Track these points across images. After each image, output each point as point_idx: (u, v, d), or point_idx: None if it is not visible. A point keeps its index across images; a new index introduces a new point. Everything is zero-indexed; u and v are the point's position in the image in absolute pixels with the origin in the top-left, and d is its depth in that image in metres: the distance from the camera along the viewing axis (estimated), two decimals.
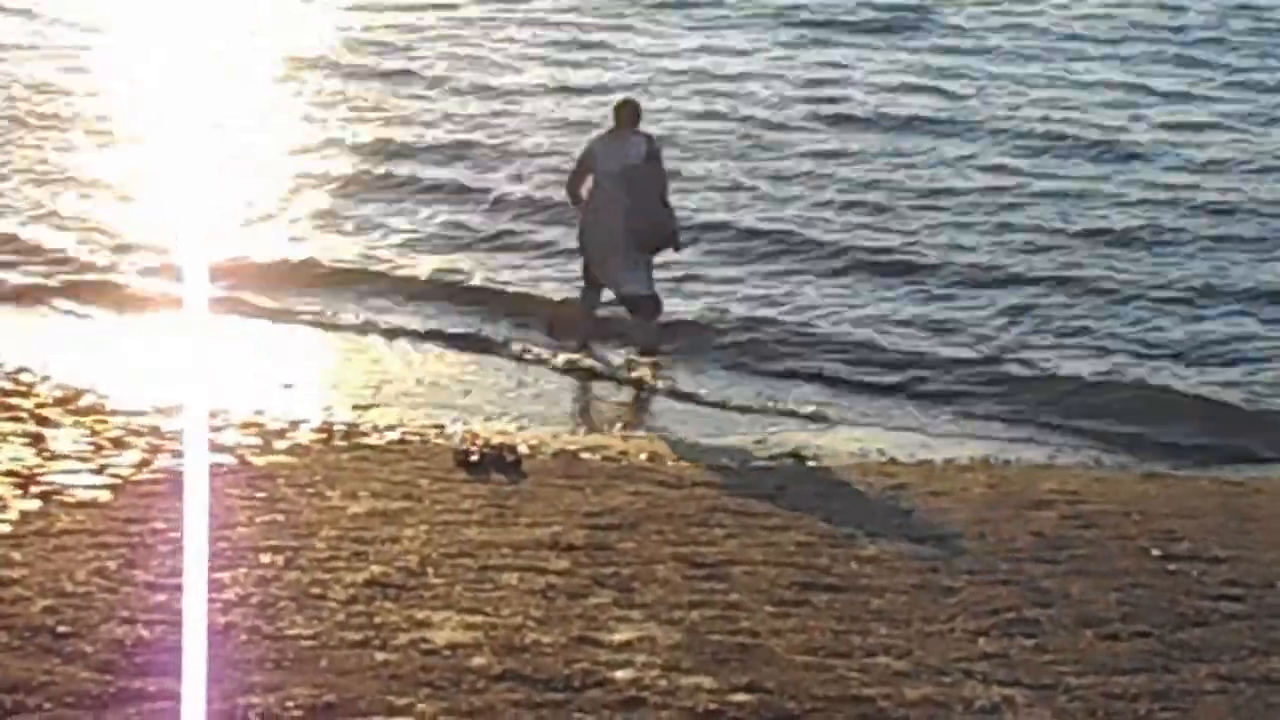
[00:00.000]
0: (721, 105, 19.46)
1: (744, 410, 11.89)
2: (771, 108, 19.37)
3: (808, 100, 19.67)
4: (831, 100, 19.73)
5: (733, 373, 12.63)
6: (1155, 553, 7.88)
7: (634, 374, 12.52)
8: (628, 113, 12.93)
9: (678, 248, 13.11)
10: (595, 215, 12.75)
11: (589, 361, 12.70)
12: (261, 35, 22.06)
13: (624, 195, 12.60)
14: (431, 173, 17.34)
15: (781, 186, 17.13)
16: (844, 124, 19.00)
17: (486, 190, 16.84)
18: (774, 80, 20.58)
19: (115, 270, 14.49)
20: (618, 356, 12.75)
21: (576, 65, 21.41)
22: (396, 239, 15.48)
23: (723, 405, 11.97)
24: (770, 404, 11.99)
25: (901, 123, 18.96)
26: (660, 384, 12.37)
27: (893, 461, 10.65)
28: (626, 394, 12.33)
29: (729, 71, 21.03)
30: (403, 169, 17.43)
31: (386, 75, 21.07)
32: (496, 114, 19.41)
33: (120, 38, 21.35)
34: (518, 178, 17.16)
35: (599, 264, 12.77)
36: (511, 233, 15.71)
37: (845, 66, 21.26)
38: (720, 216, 15.92)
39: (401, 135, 18.50)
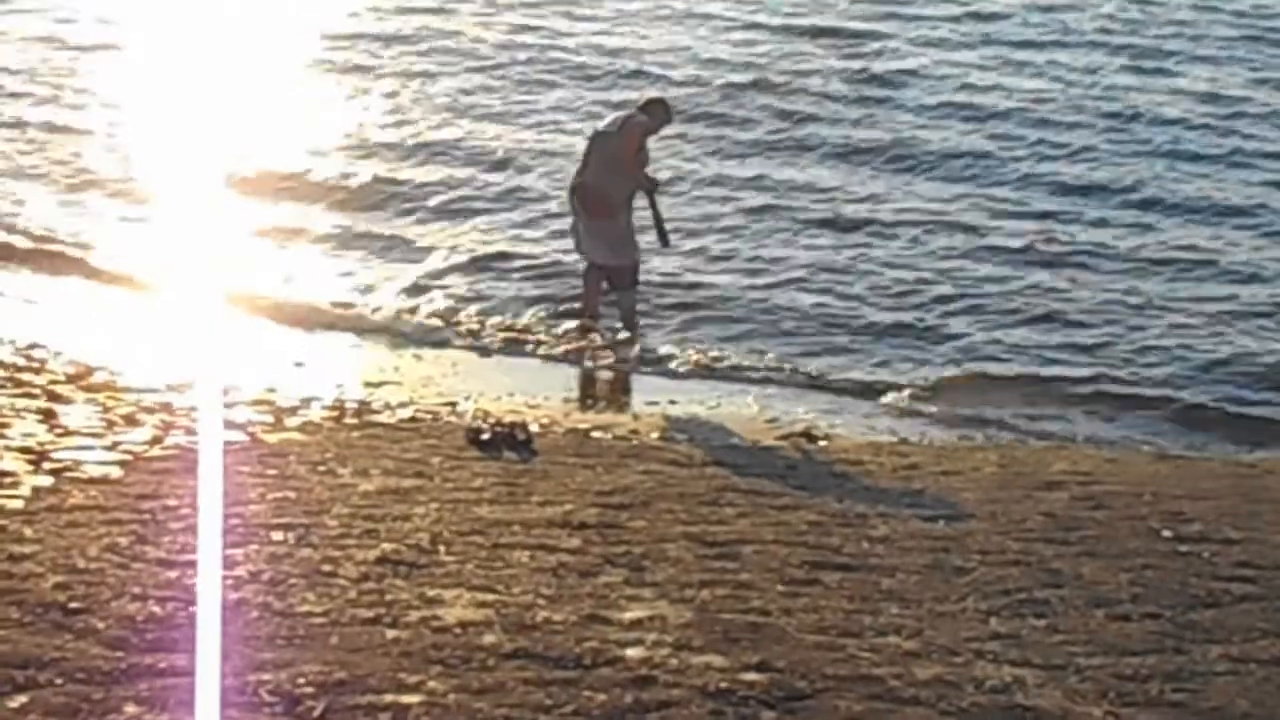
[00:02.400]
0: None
1: (755, 389, 11.87)
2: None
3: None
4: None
5: (743, 349, 12.61)
6: (1167, 534, 7.88)
7: (614, 349, 12.57)
8: (646, 102, 13.09)
9: (664, 243, 13.05)
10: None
11: (593, 338, 12.71)
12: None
13: (582, 159, 12.87)
14: (449, 138, 17.37)
15: (800, 157, 17.14)
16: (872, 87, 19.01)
17: (508, 162, 16.85)
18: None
19: (126, 246, 14.50)
20: (611, 332, 12.79)
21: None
22: (410, 214, 15.48)
23: (734, 382, 11.96)
24: (782, 380, 11.98)
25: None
26: (657, 359, 12.40)
27: (904, 441, 10.65)
28: (632, 372, 12.33)
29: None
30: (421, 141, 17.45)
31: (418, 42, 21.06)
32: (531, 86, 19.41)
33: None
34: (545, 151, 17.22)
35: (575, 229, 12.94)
36: (530, 200, 15.69)
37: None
38: (731, 175, 15.94)
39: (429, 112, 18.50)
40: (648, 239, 13.01)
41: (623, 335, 12.73)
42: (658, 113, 13.00)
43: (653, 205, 12.91)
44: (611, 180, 12.69)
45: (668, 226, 13.05)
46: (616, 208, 12.77)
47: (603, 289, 12.95)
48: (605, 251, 12.79)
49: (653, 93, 14.47)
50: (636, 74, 19.67)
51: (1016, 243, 14.76)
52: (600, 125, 13.19)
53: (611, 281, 12.87)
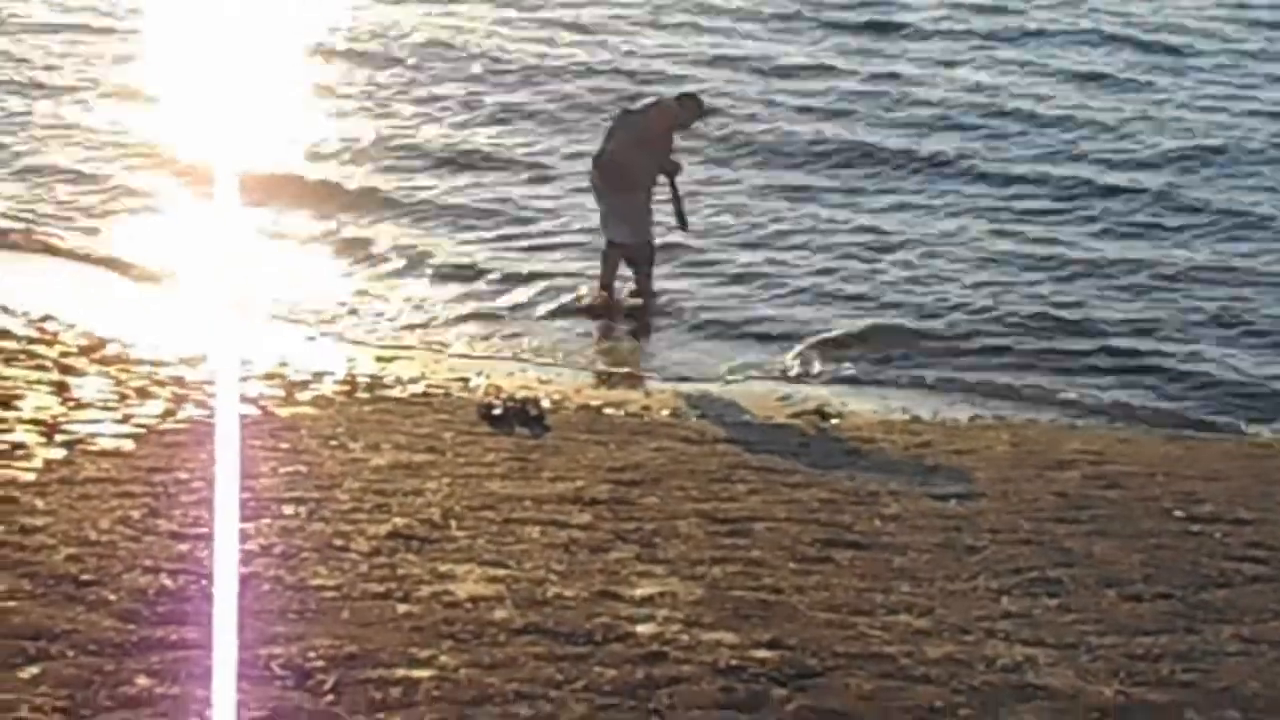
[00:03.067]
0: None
1: (767, 366, 11.86)
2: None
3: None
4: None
5: (755, 327, 12.60)
6: (1179, 514, 7.86)
7: (628, 322, 12.59)
8: (680, 95, 13.17)
9: (683, 226, 13.02)
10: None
11: (608, 316, 12.71)
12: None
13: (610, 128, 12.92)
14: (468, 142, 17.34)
15: (816, 127, 17.12)
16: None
17: (529, 158, 16.79)
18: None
19: (138, 220, 14.51)
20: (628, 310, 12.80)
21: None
22: (423, 207, 15.43)
23: (746, 361, 11.95)
24: (794, 359, 11.97)
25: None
26: (674, 337, 12.40)
27: (916, 419, 10.63)
28: (648, 348, 12.32)
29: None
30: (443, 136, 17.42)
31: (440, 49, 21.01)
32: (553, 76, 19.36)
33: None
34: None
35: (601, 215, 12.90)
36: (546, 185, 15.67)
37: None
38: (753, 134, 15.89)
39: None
40: (666, 221, 12.99)
41: (638, 308, 12.73)
42: (690, 107, 13.02)
43: (673, 188, 12.92)
44: (635, 155, 12.67)
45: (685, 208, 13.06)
46: (638, 183, 12.76)
47: (619, 269, 12.92)
48: (628, 231, 12.76)
49: (690, 88, 14.49)
50: (649, 79, 19.56)
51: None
52: (630, 106, 13.18)
53: (631, 261, 12.85)
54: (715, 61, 19.65)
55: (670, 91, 14.47)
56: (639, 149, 12.66)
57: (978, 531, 7.40)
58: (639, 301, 12.85)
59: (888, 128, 17.50)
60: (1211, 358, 12.03)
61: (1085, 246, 14.30)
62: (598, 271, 13.00)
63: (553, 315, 12.67)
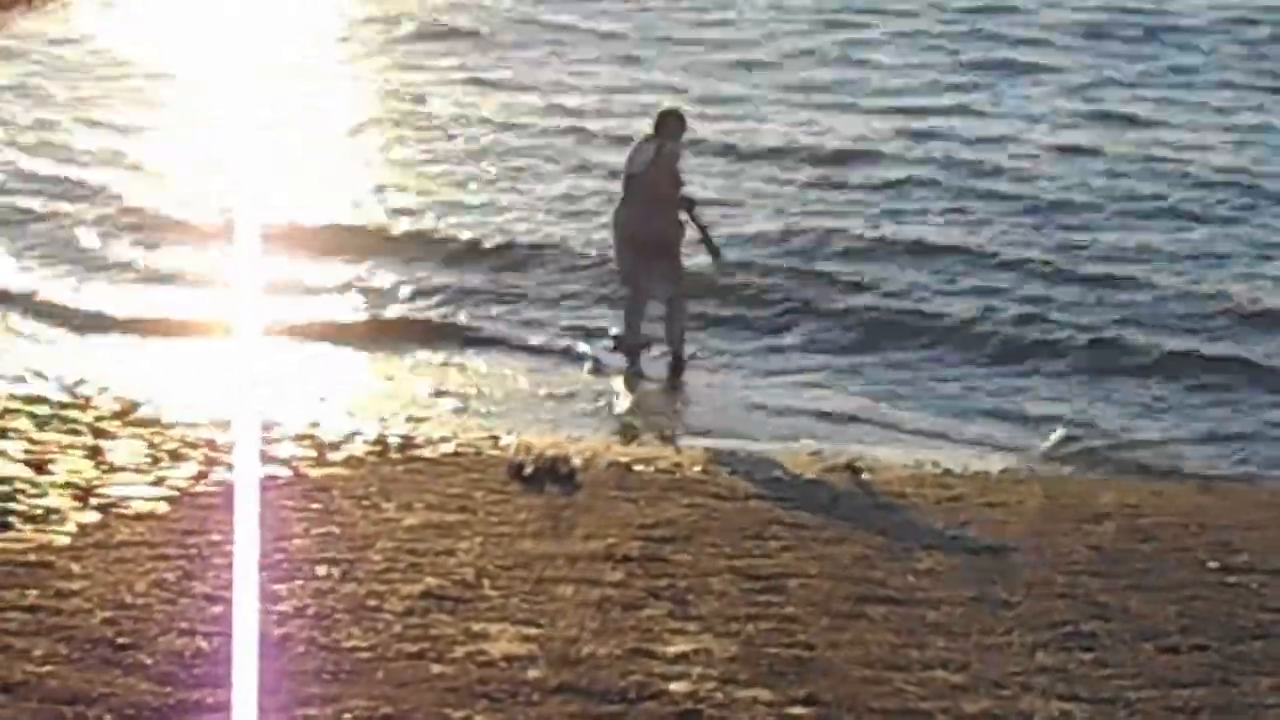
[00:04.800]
0: None
1: (796, 420, 11.85)
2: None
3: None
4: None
5: (788, 380, 12.59)
6: (1213, 565, 7.82)
7: (660, 378, 12.56)
8: (660, 120, 12.91)
9: (715, 256, 12.98)
10: (613, 220, 13.08)
11: (638, 372, 12.70)
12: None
13: (622, 203, 12.78)
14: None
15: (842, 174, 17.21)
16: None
17: (545, 195, 16.89)
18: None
19: (172, 282, 14.59)
20: (658, 364, 12.80)
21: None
22: (454, 247, 15.51)
23: (776, 414, 11.94)
24: (823, 414, 11.96)
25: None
26: (706, 391, 12.39)
27: (948, 473, 10.60)
28: (678, 404, 12.32)
29: None
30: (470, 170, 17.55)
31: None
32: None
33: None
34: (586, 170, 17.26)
35: (628, 270, 12.87)
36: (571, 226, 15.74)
37: None
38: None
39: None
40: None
41: (672, 363, 12.72)
42: (674, 128, 12.78)
43: (696, 222, 12.78)
44: (664, 220, 12.60)
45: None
46: (677, 242, 12.74)
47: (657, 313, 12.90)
48: (672, 288, 12.74)
49: (667, 104, 14.39)
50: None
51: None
52: (630, 166, 12.87)
53: (672, 305, 12.83)
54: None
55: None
56: (665, 209, 12.57)
57: (1012, 586, 7.37)
58: (672, 351, 12.78)
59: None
60: None
61: None
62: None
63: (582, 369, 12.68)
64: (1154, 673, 6.19)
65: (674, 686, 5.71)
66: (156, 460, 9.16)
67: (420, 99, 20.70)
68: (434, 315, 13.94)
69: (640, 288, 12.86)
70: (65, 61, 22.19)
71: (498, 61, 22.37)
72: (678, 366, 12.79)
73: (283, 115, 18.72)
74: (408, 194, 17.09)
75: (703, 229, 12.86)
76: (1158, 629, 6.75)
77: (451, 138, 19.13)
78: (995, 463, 10.99)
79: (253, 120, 16.69)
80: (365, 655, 5.88)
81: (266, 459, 9.15)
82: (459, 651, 5.98)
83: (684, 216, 12.75)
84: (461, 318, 13.83)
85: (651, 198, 12.59)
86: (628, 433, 11.67)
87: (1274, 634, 6.76)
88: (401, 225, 16.07)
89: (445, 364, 12.91)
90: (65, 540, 7.31)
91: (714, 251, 12.96)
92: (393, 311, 14.02)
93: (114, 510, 7.94)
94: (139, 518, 7.83)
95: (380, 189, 17.24)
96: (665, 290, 12.78)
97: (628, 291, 12.98)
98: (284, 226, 15.23)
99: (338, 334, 13.46)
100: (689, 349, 12.86)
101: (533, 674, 5.76)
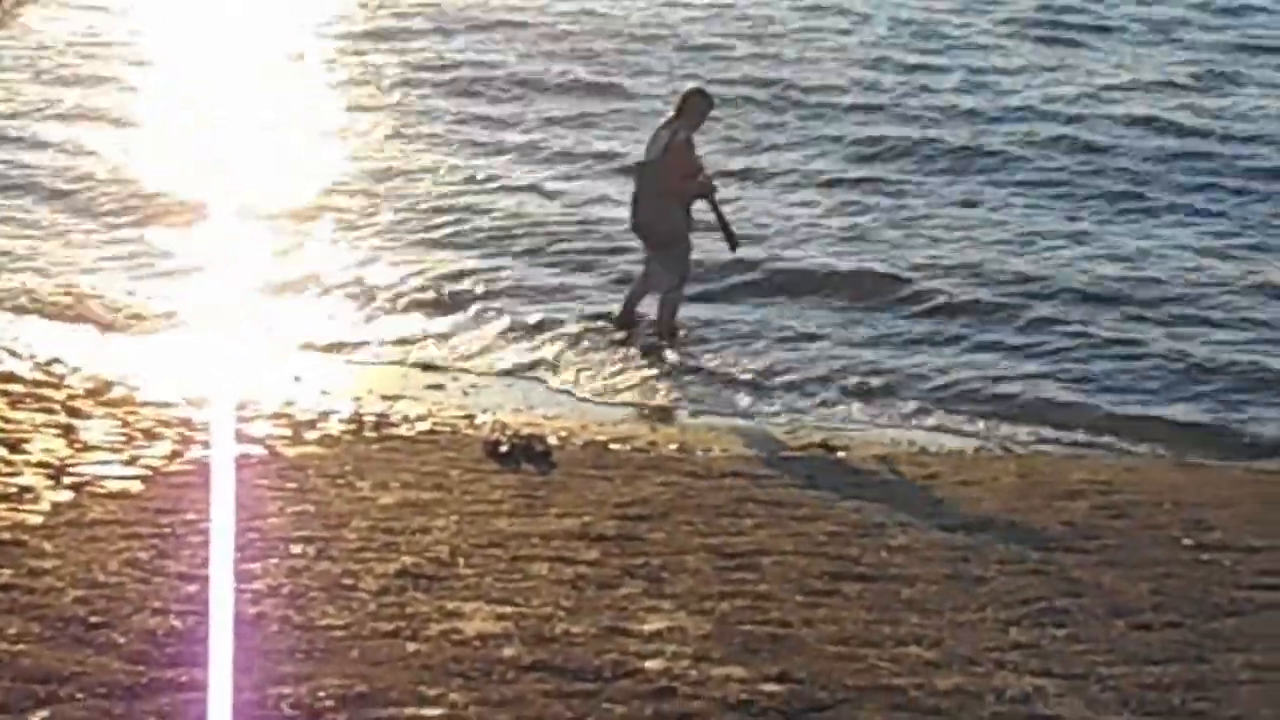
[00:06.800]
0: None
1: (773, 399, 11.85)
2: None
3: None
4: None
5: (761, 360, 12.59)
6: (1188, 542, 7.85)
7: (647, 356, 12.54)
8: (681, 102, 12.79)
9: (732, 246, 12.83)
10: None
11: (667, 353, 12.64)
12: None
13: (633, 189, 12.76)
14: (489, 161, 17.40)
15: (822, 165, 17.18)
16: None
17: (555, 183, 16.85)
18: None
19: (142, 261, 14.53)
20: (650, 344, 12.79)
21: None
22: (447, 229, 15.48)
23: (752, 393, 11.94)
24: (800, 394, 11.96)
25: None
26: (684, 370, 12.36)
27: (923, 451, 10.62)
28: (659, 383, 12.32)
29: None
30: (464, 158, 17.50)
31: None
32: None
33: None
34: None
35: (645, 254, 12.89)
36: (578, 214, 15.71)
37: None
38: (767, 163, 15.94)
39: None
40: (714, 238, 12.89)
41: (659, 343, 12.69)
42: (697, 107, 12.63)
43: (715, 210, 12.65)
44: (666, 212, 12.51)
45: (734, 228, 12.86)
46: (679, 236, 12.61)
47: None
48: (670, 278, 12.67)
49: (691, 85, 14.18)
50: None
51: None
52: (646, 152, 12.81)
53: (646, 278, 12.83)
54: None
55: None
56: (667, 201, 12.49)
57: (986, 562, 7.39)
58: (658, 332, 12.75)
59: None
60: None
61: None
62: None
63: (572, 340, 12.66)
64: (1126, 649, 6.22)
65: (648, 664, 5.71)
66: (130, 439, 9.14)
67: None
68: (412, 293, 13.90)
69: (644, 273, 12.83)
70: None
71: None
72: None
73: (268, 105, 18.68)
74: (396, 175, 17.05)
75: (721, 217, 12.69)
76: (1131, 606, 6.77)
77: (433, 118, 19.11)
78: (970, 441, 11.01)
79: (230, 109, 16.66)
80: (340, 634, 5.87)
81: (241, 438, 9.13)
82: (434, 630, 5.98)
83: (702, 205, 12.59)
84: (438, 294, 13.77)
85: (659, 190, 12.48)
86: (604, 410, 11.66)
87: (1246, 611, 6.79)
88: (384, 206, 16.02)
89: (422, 340, 12.88)
90: (38, 519, 7.29)
91: (732, 241, 12.79)
92: (370, 290, 13.96)
93: (87, 489, 7.92)
94: (112, 496, 7.81)
95: (366, 169, 17.19)
96: (665, 282, 12.62)
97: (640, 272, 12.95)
98: (259, 208, 15.19)
99: (312, 312, 13.43)
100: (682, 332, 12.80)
101: (507, 652, 5.77)
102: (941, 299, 13.55)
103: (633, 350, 12.60)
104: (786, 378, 12.16)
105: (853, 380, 12.02)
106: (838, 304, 13.53)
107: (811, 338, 12.87)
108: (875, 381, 12.00)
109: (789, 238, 14.97)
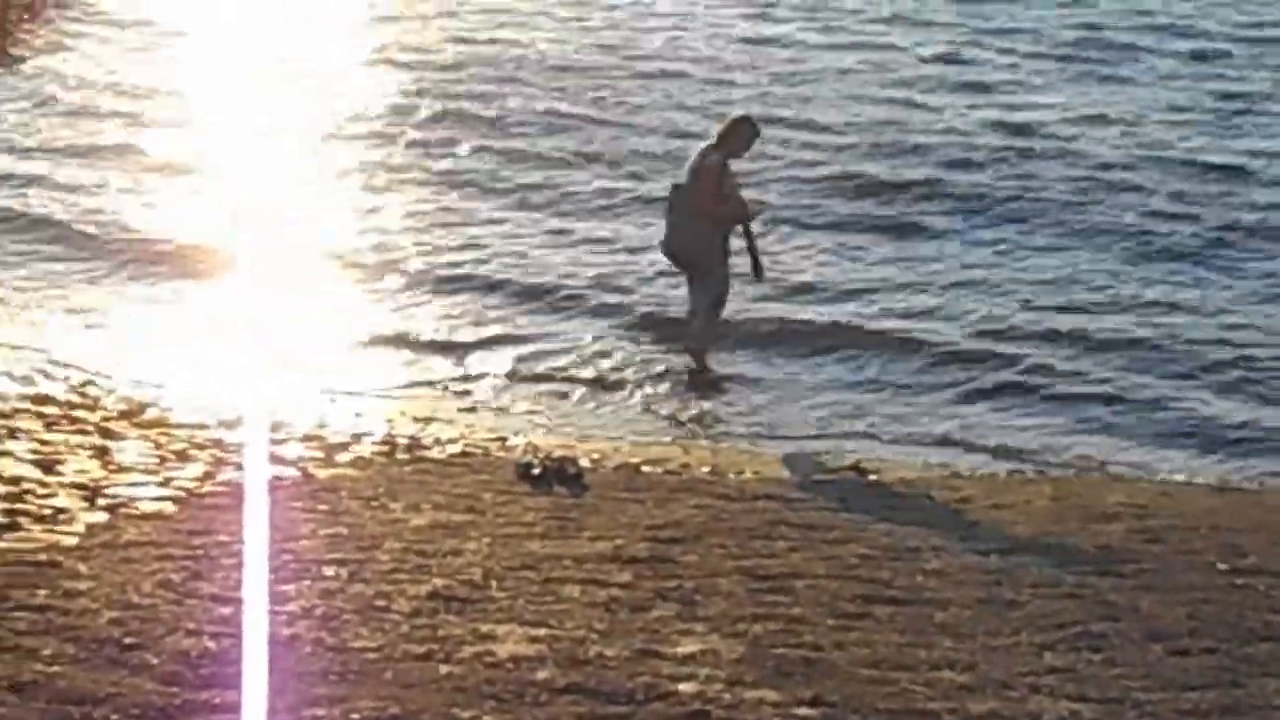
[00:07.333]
0: None
1: (806, 423, 11.84)
2: None
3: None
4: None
5: (793, 383, 12.57)
6: (1223, 566, 7.81)
7: (679, 379, 12.53)
8: (726, 128, 12.74)
9: (758, 276, 12.81)
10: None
11: (709, 371, 12.60)
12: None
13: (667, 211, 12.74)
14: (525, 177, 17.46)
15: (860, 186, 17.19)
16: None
17: (581, 193, 16.88)
18: None
19: (180, 278, 14.60)
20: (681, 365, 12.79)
21: None
22: (477, 249, 15.50)
23: (784, 417, 11.93)
24: (833, 415, 11.94)
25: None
26: (716, 392, 12.35)
27: (955, 474, 10.59)
28: (689, 405, 12.30)
29: None
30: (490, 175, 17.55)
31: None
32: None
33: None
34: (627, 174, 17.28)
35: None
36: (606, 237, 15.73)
37: None
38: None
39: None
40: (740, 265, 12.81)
41: (691, 365, 12.67)
42: (741, 133, 12.58)
43: (747, 236, 12.60)
44: (700, 236, 12.45)
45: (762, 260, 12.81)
46: (715, 261, 12.55)
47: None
48: (708, 302, 12.66)
49: (738, 112, 14.13)
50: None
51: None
52: (681, 175, 12.75)
53: (691, 316, 12.82)
54: None
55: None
56: (698, 223, 12.41)
57: (1019, 586, 7.36)
58: (689, 351, 12.75)
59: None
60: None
61: None
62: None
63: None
64: (1163, 674, 6.18)
65: (682, 687, 5.70)
66: (164, 460, 9.17)
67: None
68: (442, 316, 13.92)
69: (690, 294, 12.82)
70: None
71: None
72: (694, 368, 12.74)
73: (281, 121, 18.76)
74: (420, 204, 17.08)
75: (752, 244, 12.65)
76: (1166, 630, 6.74)
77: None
78: (1003, 465, 10.97)
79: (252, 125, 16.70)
80: (373, 656, 5.88)
81: (274, 459, 9.16)
82: (466, 652, 5.98)
83: (737, 229, 12.54)
84: (469, 320, 13.80)
85: (692, 214, 12.44)
86: (636, 433, 11.64)
87: None
88: (410, 245, 15.99)
89: (452, 365, 12.90)
90: (73, 540, 7.32)
91: (758, 271, 12.76)
92: (402, 313, 14.00)
93: (121, 510, 7.94)
94: (146, 518, 7.83)
95: (393, 209, 17.22)
96: (703, 304, 12.64)
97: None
98: (287, 231, 15.24)
99: (345, 334, 13.46)
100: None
101: (540, 675, 5.76)
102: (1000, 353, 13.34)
103: (667, 373, 12.62)
104: (818, 399, 12.15)
105: (884, 410, 12.00)
106: (860, 351, 13.37)
107: (851, 386, 12.77)
108: (906, 409, 11.97)
109: (828, 288, 14.84)
